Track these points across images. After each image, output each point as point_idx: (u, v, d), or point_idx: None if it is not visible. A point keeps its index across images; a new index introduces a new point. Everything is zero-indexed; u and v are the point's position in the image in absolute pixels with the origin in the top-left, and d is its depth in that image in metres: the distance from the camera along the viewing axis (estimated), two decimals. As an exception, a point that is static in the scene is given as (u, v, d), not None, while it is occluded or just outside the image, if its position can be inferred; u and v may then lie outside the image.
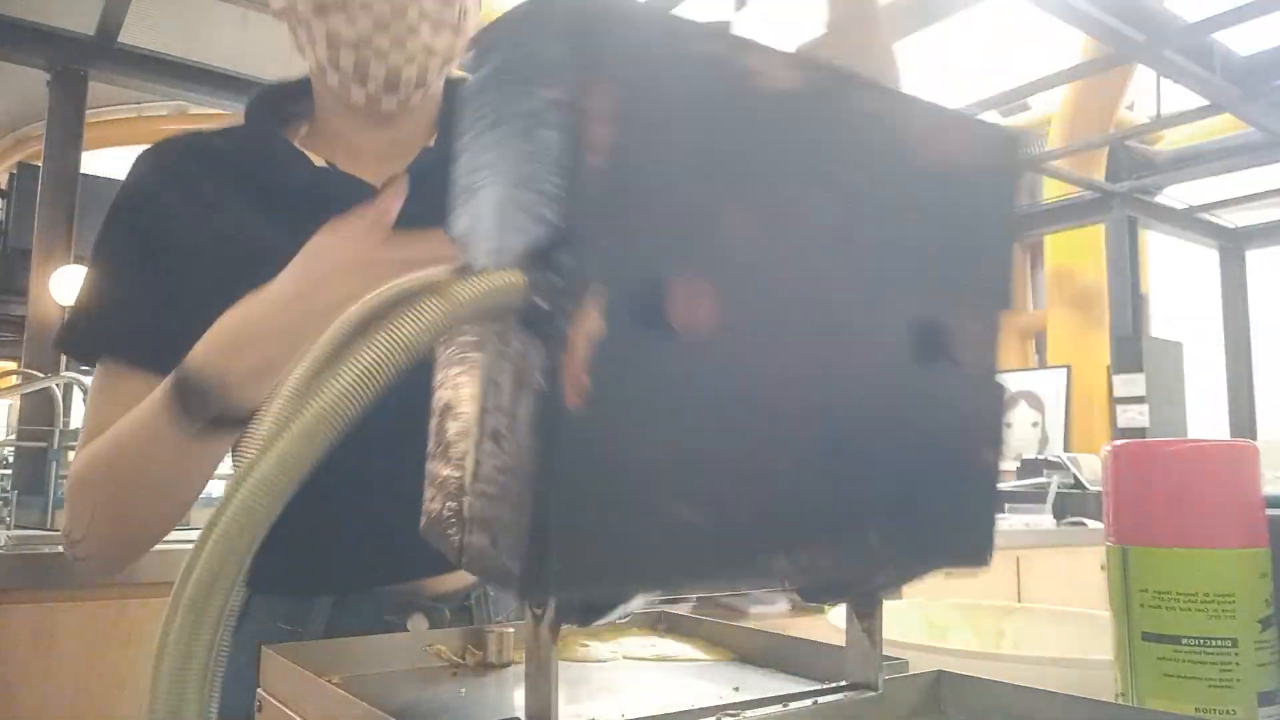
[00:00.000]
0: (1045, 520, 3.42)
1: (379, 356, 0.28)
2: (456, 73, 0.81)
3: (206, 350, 0.62)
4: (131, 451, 0.67)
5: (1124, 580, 0.56)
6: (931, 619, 0.87)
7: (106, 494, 0.70)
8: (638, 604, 0.36)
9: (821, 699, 0.48)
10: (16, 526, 2.22)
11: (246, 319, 0.62)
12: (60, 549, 1.76)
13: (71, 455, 2.62)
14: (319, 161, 0.78)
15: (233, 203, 0.76)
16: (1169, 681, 0.53)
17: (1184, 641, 0.53)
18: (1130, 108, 5.58)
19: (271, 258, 0.65)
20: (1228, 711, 0.52)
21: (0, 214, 7.24)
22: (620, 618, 0.37)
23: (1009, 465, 4.79)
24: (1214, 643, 0.53)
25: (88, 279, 0.78)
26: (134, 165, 0.79)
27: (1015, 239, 0.49)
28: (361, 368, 0.28)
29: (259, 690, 0.53)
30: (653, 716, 0.44)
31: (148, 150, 0.80)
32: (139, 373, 0.74)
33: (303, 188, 0.76)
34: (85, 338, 0.79)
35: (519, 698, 0.47)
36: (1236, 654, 0.52)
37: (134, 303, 0.76)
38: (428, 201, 0.57)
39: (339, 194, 0.75)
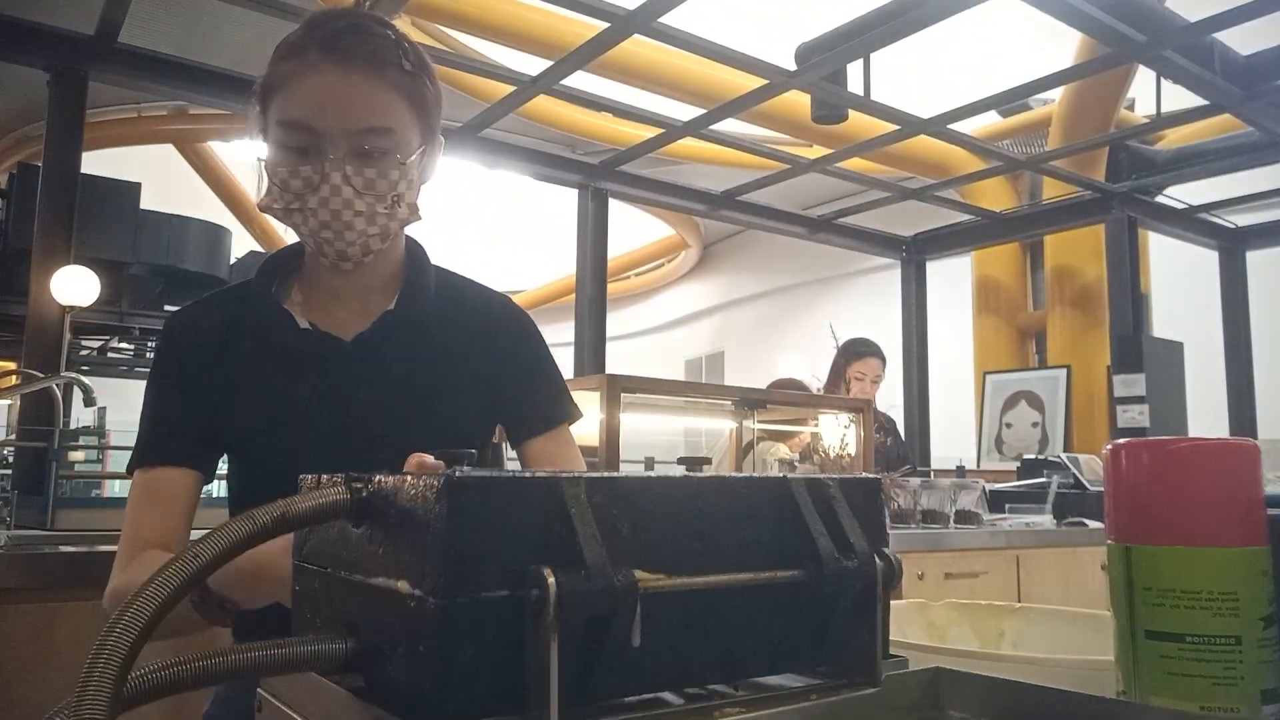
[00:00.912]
0: (1045, 520, 3.42)
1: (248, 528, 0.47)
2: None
3: (221, 583, 0.85)
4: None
5: (1127, 578, 0.56)
6: (931, 619, 0.87)
7: None
8: None
9: (821, 696, 0.48)
10: (16, 526, 2.21)
11: (243, 573, 0.80)
12: (60, 549, 1.76)
13: (71, 455, 2.62)
14: (303, 323, 1.06)
15: (239, 352, 1.05)
16: (1172, 679, 0.53)
17: (1187, 639, 0.53)
18: (1130, 107, 5.58)
19: (267, 391, 1.03)
20: (1231, 709, 0.52)
21: (0, 214, 7.25)
22: None
23: (1009, 465, 4.79)
24: (1217, 641, 0.52)
25: (143, 411, 1.06)
26: (166, 325, 1.10)
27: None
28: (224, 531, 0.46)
29: (259, 690, 0.53)
30: (653, 716, 0.44)
31: (178, 313, 1.11)
32: (171, 468, 1.03)
33: (289, 344, 1.05)
34: (146, 453, 1.04)
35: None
36: (1240, 652, 0.52)
37: (171, 421, 1.05)
38: (386, 358, 1.05)
39: (315, 348, 1.05)
